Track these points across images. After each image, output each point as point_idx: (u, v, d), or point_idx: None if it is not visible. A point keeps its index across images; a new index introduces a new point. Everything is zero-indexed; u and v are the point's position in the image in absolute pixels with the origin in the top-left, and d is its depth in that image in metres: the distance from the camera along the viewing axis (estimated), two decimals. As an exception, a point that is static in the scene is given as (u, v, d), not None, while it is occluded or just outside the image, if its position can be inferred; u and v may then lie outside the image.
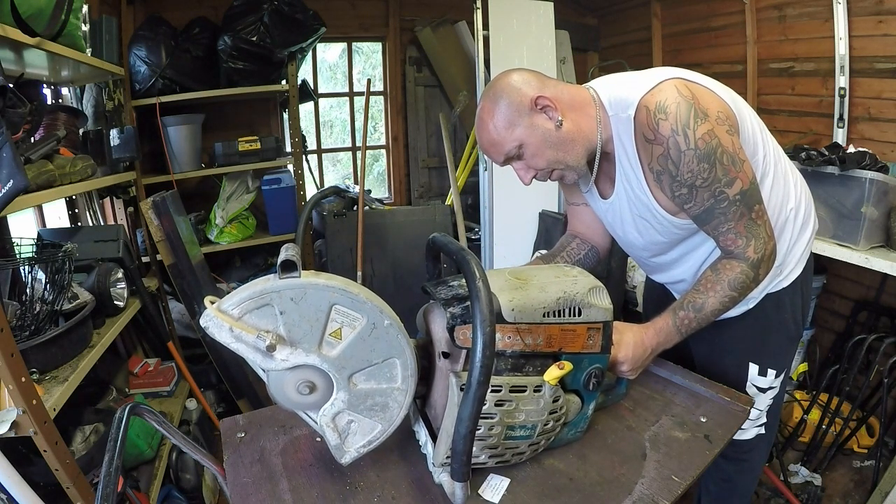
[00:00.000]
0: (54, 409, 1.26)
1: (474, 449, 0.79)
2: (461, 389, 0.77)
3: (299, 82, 2.86)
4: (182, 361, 2.28)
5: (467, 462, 0.74)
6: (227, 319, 0.72)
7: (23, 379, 1.16)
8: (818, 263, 1.52)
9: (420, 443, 0.94)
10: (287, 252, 0.72)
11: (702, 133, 0.94)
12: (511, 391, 0.82)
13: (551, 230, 2.86)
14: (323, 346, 0.77)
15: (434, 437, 0.87)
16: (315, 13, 2.67)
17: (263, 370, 0.77)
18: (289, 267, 0.72)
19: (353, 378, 0.80)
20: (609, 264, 2.62)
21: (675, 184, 0.99)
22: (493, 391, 0.81)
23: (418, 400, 0.95)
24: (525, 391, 0.83)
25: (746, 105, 1.08)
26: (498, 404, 0.82)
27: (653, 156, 0.99)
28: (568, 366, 0.86)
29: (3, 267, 1.43)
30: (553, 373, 0.84)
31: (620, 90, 1.03)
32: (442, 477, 0.82)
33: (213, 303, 0.72)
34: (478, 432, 0.79)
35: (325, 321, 0.75)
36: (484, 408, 0.77)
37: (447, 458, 0.78)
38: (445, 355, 0.86)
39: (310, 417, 0.83)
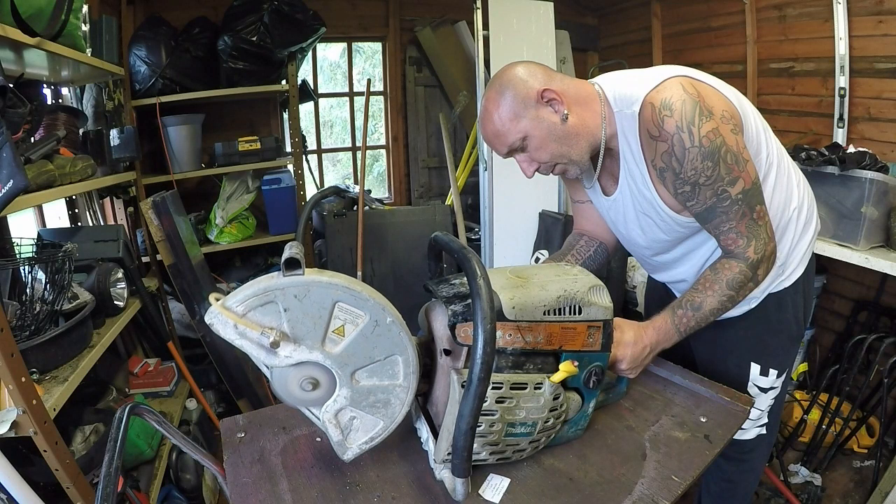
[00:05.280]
0: (54, 409, 1.25)
1: (475, 445, 0.79)
2: (462, 386, 0.77)
3: (299, 82, 2.86)
4: (182, 361, 2.28)
5: (468, 458, 0.74)
6: (232, 316, 0.72)
7: (23, 379, 1.16)
8: (818, 263, 1.52)
9: (421, 440, 0.94)
10: (291, 250, 0.72)
11: (706, 131, 0.94)
12: (512, 388, 0.83)
13: (551, 230, 2.86)
14: (326, 342, 0.77)
15: (435, 433, 0.87)
16: (315, 13, 2.67)
17: (267, 367, 0.78)
18: (292, 264, 0.72)
19: (355, 375, 0.80)
20: (609, 264, 2.62)
21: (679, 181, 0.99)
22: (493, 388, 0.81)
23: (420, 397, 0.95)
24: (526, 388, 0.84)
25: (750, 105, 1.08)
26: (499, 401, 0.82)
27: (657, 152, 0.99)
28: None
29: (3, 267, 1.43)
30: (567, 367, 0.85)
31: (626, 87, 1.03)
32: (443, 473, 0.82)
33: (217, 300, 0.73)
34: (479, 429, 0.79)
35: (329, 318, 0.75)
36: (485, 405, 0.77)
37: (448, 454, 0.78)
38: (447, 352, 0.87)
39: (312, 414, 0.83)
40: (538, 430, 0.87)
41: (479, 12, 2.69)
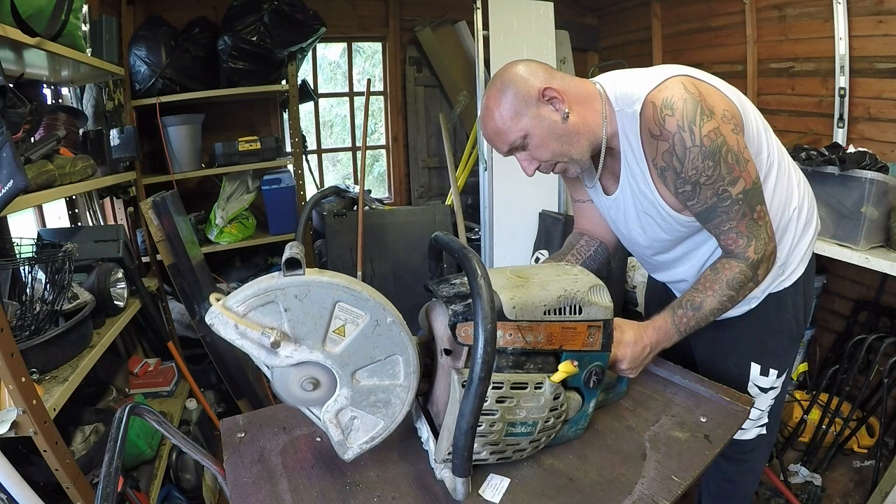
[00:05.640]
0: (54, 409, 1.25)
1: (476, 445, 0.79)
2: (463, 386, 0.77)
3: (299, 82, 2.86)
4: (182, 361, 2.28)
5: (469, 458, 0.74)
6: (233, 316, 0.72)
7: (23, 379, 1.16)
8: (818, 263, 1.52)
9: (422, 439, 0.94)
10: (291, 250, 0.72)
11: (707, 130, 0.94)
12: (512, 388, 0.83)
13: (551, 230, 2.86)
14: (326, 342, 0.77)
15: (436, 433, 0.87)
16: (315, 13, 2.67)
17: (268, 367, 0.78)
18: (293, 264, 0.72)
19: (356, 375, 0.80)
20: (609, 264, 2.62)
21: (679, 180, 1.00)
22: (494, 388, 0.81)
23: (420, 397, 0.95)
24: (526, 388, 0.84)
25: (751, 105, 1.08)
26: (499, 401, 0.82)
27: (658, 151, 0.99)
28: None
29: (3, 267, 1.43)
30: (567, 367, 0.85)
31: (627, 86, 1.03)
32: (444, 473, 0.82)
33: (218, 300, 0.73)
34: (479, 428, 0.79)
35: (329, 318, 0.75)
36: (485, 404, 0.77)
37: (449, 454, 0.78)
38: (447, 352, 0.87)
39: (313, 414, 0.83)
40: (538, 429, 0.87)
41: (479, 12, 2.69)
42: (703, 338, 1.23)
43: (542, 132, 1.03)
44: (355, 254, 2.86)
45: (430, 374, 0.91)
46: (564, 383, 0.89)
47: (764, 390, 1.25)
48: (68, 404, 1.33)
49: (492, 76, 1.09)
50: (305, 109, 3.31)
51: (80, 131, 1.95)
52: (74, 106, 2.22)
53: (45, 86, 2.05)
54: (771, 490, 1.98)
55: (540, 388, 0.85)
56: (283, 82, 2.77)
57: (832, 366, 2.27)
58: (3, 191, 1.15)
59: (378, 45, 3.71)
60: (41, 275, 1.41)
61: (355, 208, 2.91)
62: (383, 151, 3.84)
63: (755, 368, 1.25)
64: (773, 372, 1.24)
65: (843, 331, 2.52)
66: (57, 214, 2.30)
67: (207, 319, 0.72)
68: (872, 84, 2.25)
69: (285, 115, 3.07)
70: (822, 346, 2.59)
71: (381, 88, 3.65)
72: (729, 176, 0.97)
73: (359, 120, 3.63)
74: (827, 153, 1.85)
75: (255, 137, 2.78)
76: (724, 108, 0.96)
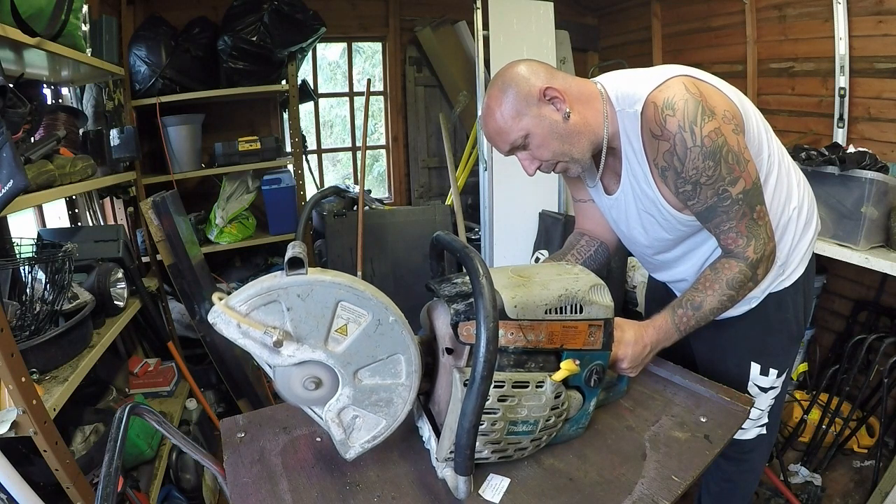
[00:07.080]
0: (54, 409, 1.25)
1: (477, 444, 0.79)
2: (464, 385, 0.77)
3: (299, 82, 2.86)
4: (182, 361, 2.27)
5: (471, 456, 0.75)
6: (235, 316, 0.72)
7: (23, 379, 1.16)
8: (818, 263, 1.52)
9: (423, 438, 0.94)
10: (294, 249, 0.72)
11: (708, 131, 0.94)
12: (514, 387, 0.83)
13: (551, 230, 2.86)
14: (329, 342, 0.77)
15: (438, 432, 0.87)
16: (315, 13, 2.67)
17: (270, 366, 0.78)
18: (295, 264, 0.72)
19: (358, 374, 0.80)
20: (609, 264, 2.62)
21: (680, 180, 1.00)
22: (495, 387, 0.81)
23: (422, 396, 0.95)
24: (527, 387, 0.84)
25: (752, 105, 1.08)
26: (500, 400, 0.82)
27: (659, 151, 0.99)
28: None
29: (3, 267, 1.43)
30: (568, 366, 0.85)
31: (628, 86, 1.04)
32: (445, 472, 0.82)
33: (221, 299, 0.73)
34: (481, 427, 0.79)
35: (331, 317, 0.75)
36: (487, 403, 0.77)
37: (451, 452, 0.78)
38: (449, 351, 0.87)
39: (315, 413, 0.83)
40: (540, 428, 0.87)
41: (479, 12, 2.69)
42: (703, 337, 1.23)
43: (544, 132, 1.03)
44: (355, 254, 2.86)
45: (432, 373, 0.91)
46: (565, 382, 0.89)
47: (764, 390, 1.26)
48: (68, 404, 1.33)
49: (492, 76, 1.09)
50: (305, 109, 3.31)
51: (80, 131, 1.95)
52: (74, 106, 2.22)
53: (45, 86, 2.05)
54: (771, 490, 1.98)
55: (541, 386, 0.85)
56: (283, 82, 2.77)
57: (832, 366, 2.27)
58: (3, 191, 1.15)
59: (378, 45, 3.72)
60: (41, 275, 1.41)
61: (355, 208, 2.91)
62: (383, 151, 3.84)
63: (755, 368, 1.25)
64: (773, 372, 1.24)
65: (843, 331, 2.52)
66: (57, 214, 2.30)
67: (210, 318, 0.73)
68: (872, 84, 2.25)
69: (285, 115, 3.07)
70: (822, 346, 2.60)
71: (381, 88, 3.65)
72: (729, 176, 0.97)
73: (359, 120, 3.63)
74: (827, 153, 1.85)
75: (255, 137, 2.78)
76: (724, 108, 0.97)
